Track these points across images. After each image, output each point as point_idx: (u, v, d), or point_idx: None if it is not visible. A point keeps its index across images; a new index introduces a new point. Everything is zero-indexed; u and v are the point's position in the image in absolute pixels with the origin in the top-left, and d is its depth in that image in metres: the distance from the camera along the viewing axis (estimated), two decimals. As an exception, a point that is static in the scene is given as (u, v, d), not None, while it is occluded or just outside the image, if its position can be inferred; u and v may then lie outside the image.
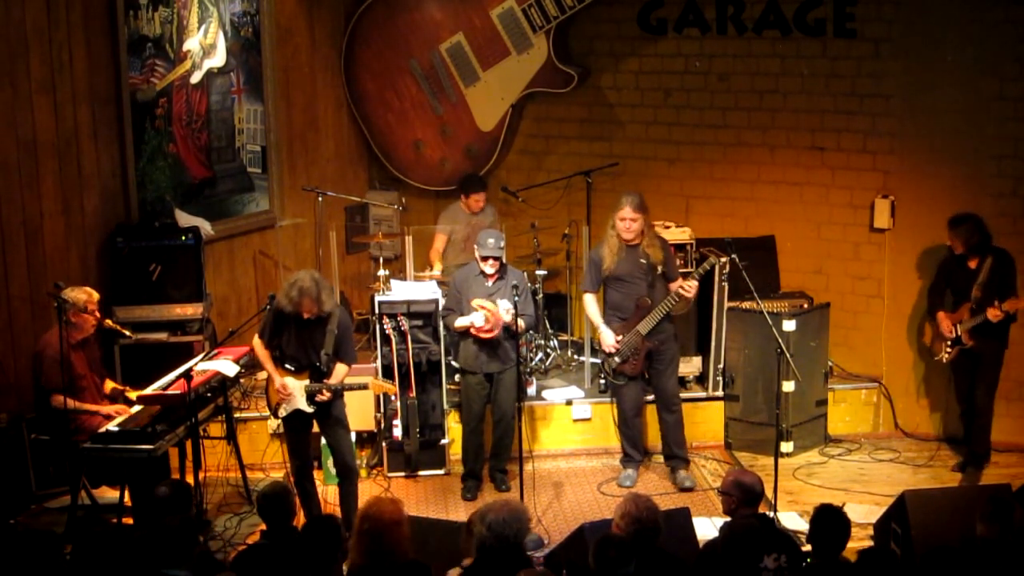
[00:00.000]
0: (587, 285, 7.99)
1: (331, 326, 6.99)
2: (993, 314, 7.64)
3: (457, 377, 8.15)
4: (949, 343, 7.93)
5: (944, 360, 8.01)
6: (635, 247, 7.77)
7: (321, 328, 6.99)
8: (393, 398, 8.05)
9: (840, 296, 9.06)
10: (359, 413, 8.08)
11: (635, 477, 8.06)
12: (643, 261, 7.77)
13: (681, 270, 8.14)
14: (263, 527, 5.56)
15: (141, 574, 4.97)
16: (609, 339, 7.82)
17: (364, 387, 7.31)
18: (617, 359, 7.85)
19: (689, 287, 7.75)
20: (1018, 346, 8.35)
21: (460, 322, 7.70)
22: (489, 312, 7.59)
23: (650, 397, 8.25)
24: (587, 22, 9.81)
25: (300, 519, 6.78)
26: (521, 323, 7.54)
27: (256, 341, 7.13)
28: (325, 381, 7.00)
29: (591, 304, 7.95)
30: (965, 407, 8.13)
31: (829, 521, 5.20)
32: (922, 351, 8.66)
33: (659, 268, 7.79)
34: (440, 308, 8.03)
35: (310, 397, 7.00)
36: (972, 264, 7.86)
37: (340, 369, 7.09)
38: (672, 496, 7.69)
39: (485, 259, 7.65)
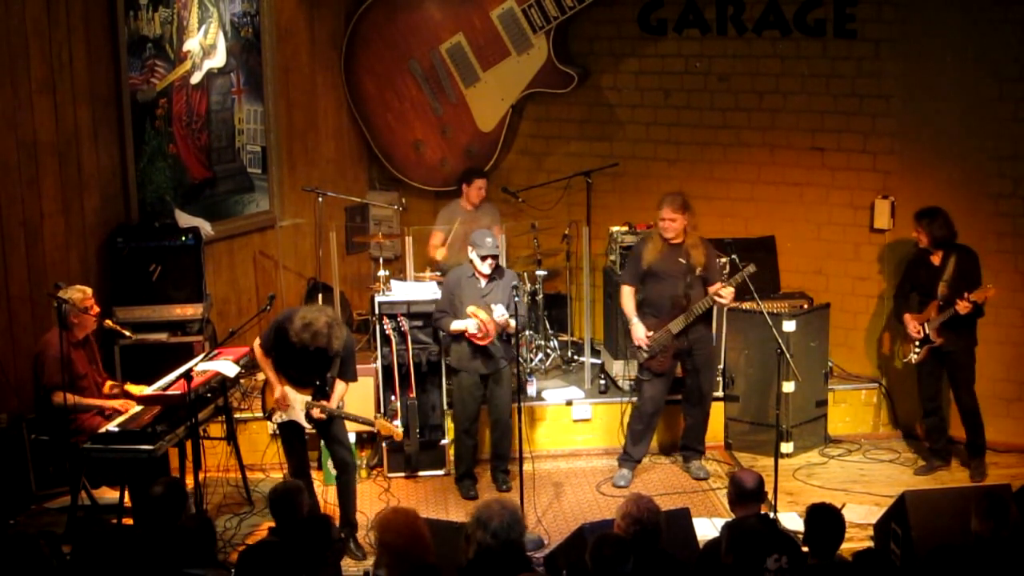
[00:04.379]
0: (626, 278, 8.03)
1: (338, 352, 6.97)
2: (963, 306, 7.60)
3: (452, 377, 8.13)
4: (917, 344, 7.89)
5: (913, 361, 7.96)
6: (677, 246, 7.79)
7: (326, 353, 6.93)
8: (393, 398, 8.05)
9: (840, 297, 9.06)
10: (359, 413, 8.07)
11: (630, 477, 8.06)
12: (682, 261, 7.78)
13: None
14: (265, 527, 5.56)
15: (162, 574, 4.97)
16: (640, 333, 7.82)
17: (369, 423, 7.30)
18: (645, 354, 7.86)
19: (725, 294, 7.74)
20: (1018, 347, 8.37)
21: (455, 325, 7.65)
22: (481, 321, 7.57)
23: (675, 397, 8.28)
24: (587, 22, 9.80)
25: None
26: (512, 323, 7.52)
27: (257, 348, 7.11)
28: (325, 403, 6.98)
29: (627, 297, 7.96)
30: (930, 408, 8.09)
31: (823, 520, 5.20)
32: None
33: (698, 270, 7.80)
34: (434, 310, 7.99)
35: (309, 414, 6.99)
36: (936, 260, 7.85)
37: (339, 387, 7.09)
38: (672, 496, 7.69)
39: (484, 258, 7.63)
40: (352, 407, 7.76)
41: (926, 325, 7.82)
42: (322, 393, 7.01)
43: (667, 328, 7.80)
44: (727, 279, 7.83)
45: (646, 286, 7.92)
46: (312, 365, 6.95)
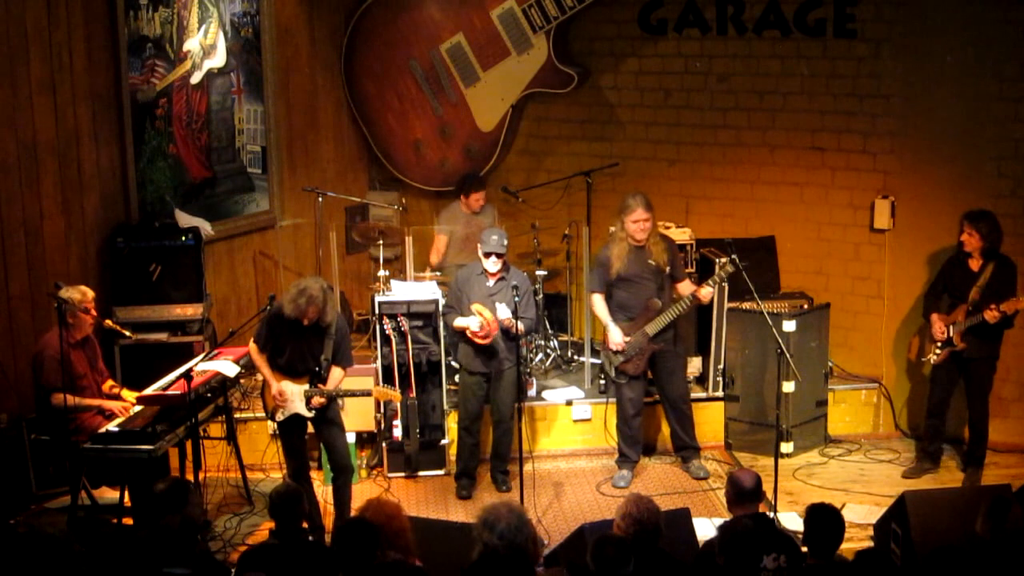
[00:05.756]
0: (594, 286, 7.99)
1: (330, 332, 7.00)
2: (991, 315, 7.53)
3: (457, 376, 8.15)
4: (939, 345, 7.82)
5: (932, 361, 7.88)
6: (642, 248, 7.78)
7: (319, 335, 6.98)
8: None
9: (840, 296, 9.06)
10: (359, 413, 8.08)
11: (629, 478, 8.06)
12: (651, 262, 7.77)
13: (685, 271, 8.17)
14: (265, 527, 5.56)
15: (142, 573, 4.97)
16: (617, 337, 7.81)
17: (367, 394, 7.32)
18: (621, 357, 7.85)
19: (705, 295, 7.74)
20: (1018, 347, 8.36)
21: (458, 322, 7.69)
22: (485, 320, 7.58)
23: (652, 399, 8.28)
24: (587, 22, 9.81)
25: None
26: (520, 326, 7.51)
27: (252, 347, 7.13)
28: (321, 387, 7.00)
29: (599, 303, 7.94)
30: (936, 411, 8.02)
31: (822, 519, 5.19)
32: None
33: (666, 269, 7.79)
34: (440, 307, 8.04)
35: (308, 402, 7.00)
36: (974, 266, 7.77)
37: (336, 373, 7.10)
38: (672, 496, 7.69)
39: (488, 255, 7.62)
40: (352, 406, 7.78)
41: (951, 328, 7.76)
42: (319, 379, 7.02)
43: (644, 330, 7.80)
44: (710, 280, 7.80)
45: (618, 291, 7.88)
46: (307, 347, 6.97)
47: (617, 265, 7.79)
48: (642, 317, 7.82)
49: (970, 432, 8.00)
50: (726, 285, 8.41)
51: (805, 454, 8.48)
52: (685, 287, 7.87)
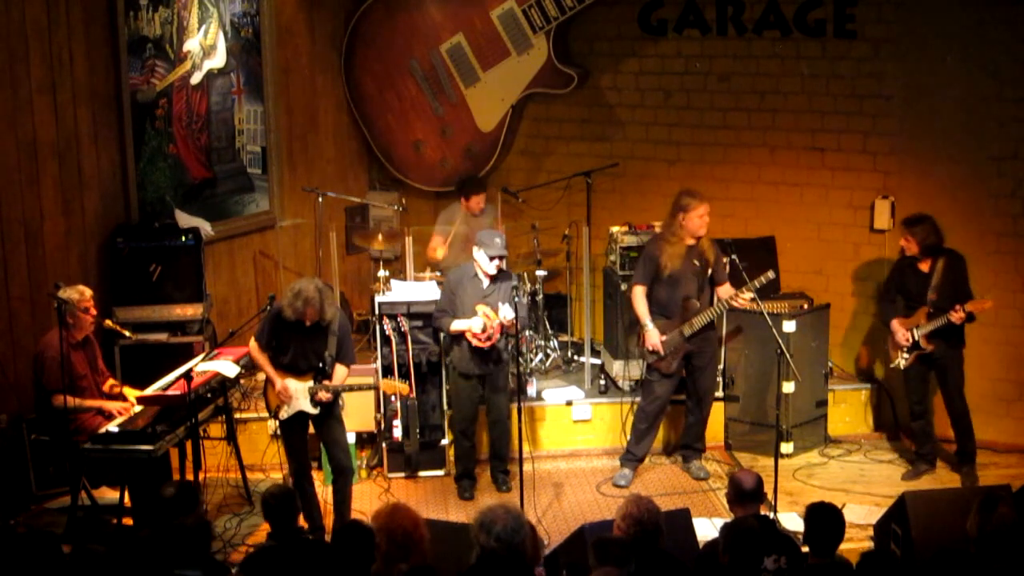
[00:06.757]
0: (640, 278, 7.90)
1: (332, 329, 7.00)
2: (957, 317, 7.51)
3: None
4: (905, 350, 7.80)
5: (901, 366, 7.87)
6: (692, 247, 7.75)
7: (322, 333, 6.99)
8: (393, 399, 8.05)
9: (840, 297, 9.06)
10: (359, 414, 8.08)
11: (630, 477, 8.06)
12: (696, 263, 7.75)
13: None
14: (264, 527, 5.56)
15: (153, 574, 4.97)
16: (654, 338, 7.78)
17: (373, 387, 7.31)
18: (655, 356, 7.84)
19: (744, 300, 7.72)
20: (1018, 347, 8.37)
21: (456, 325, 7.63)
22: (488, 320, 7.55)
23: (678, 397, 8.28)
24: (587, 22, 9.81)
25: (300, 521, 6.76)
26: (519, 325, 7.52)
27: (253, 345, 7.12)
28: (327, 383, 7.00)
29: (641, 299, 7.86)
30: (918, 412, 8.00)
31: (822, 518, 5.19)
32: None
33: (709, 271, 7.79)
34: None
35: (313, 397, 6.99)
36: (924, 267, 7.75)
37: (340, 371, 7.10)
38: (672, 497, 7.69)
39: (492, 259, 7.58)
40: (352, 406, 7.77)
41: (915, 331, 7.74)
42: (323, 376, 7.03)
43: (680, 330, 7.79)
44: (749, 285, 7.77)
45: (659, 288, 7.85)
46: (310, 345, 6.97)
47: (668, 264, 7.74)
48: (679, 317, 7.80)
49: (954, 430, 7.97)
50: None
51: (805, 454, 8.48)
52: (724, 290, 7.86)
